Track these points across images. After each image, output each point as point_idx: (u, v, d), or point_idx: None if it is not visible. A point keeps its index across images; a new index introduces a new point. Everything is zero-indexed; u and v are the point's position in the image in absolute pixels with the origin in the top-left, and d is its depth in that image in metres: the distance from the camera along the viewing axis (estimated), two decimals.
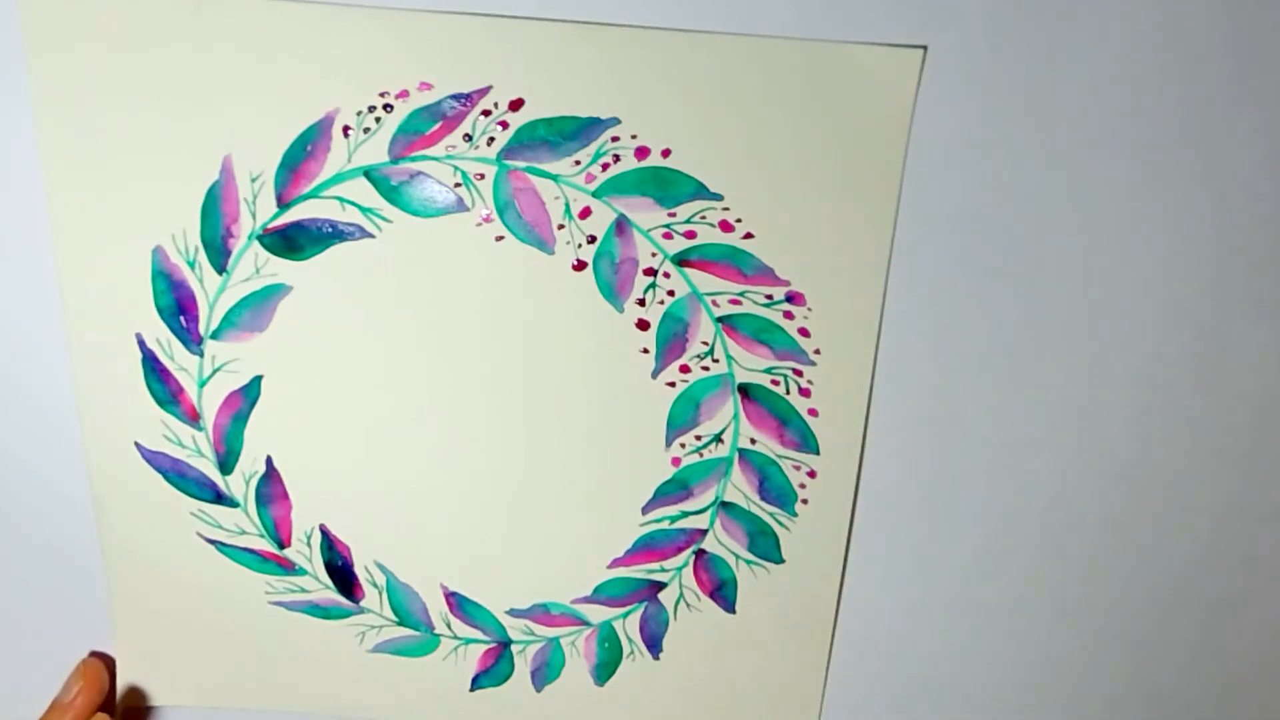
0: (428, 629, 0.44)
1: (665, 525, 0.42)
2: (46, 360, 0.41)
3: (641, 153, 0.37)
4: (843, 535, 0.42)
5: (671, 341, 0.39)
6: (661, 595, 0.43)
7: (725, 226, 0.38)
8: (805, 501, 0.42)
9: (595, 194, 0.37)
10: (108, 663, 0.45)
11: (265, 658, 0.45)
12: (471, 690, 0.46)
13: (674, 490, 0.41)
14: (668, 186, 0.37)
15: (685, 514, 0.42)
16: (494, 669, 0.45)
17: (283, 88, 0.37)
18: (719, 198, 0.37)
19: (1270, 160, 0.37)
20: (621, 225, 0.38)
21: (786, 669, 0.45)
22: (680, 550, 0.43)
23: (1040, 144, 0.37)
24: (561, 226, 0.38)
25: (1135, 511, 0.42)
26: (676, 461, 0.41)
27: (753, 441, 0.41)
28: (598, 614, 0.44)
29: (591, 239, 0.38)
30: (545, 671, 0.45)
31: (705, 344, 0.39)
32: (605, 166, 0.37)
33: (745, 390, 0.40)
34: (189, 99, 0.37)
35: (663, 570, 0.43)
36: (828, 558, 0.42)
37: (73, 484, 0.43)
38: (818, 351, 0.39)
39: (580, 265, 0.38)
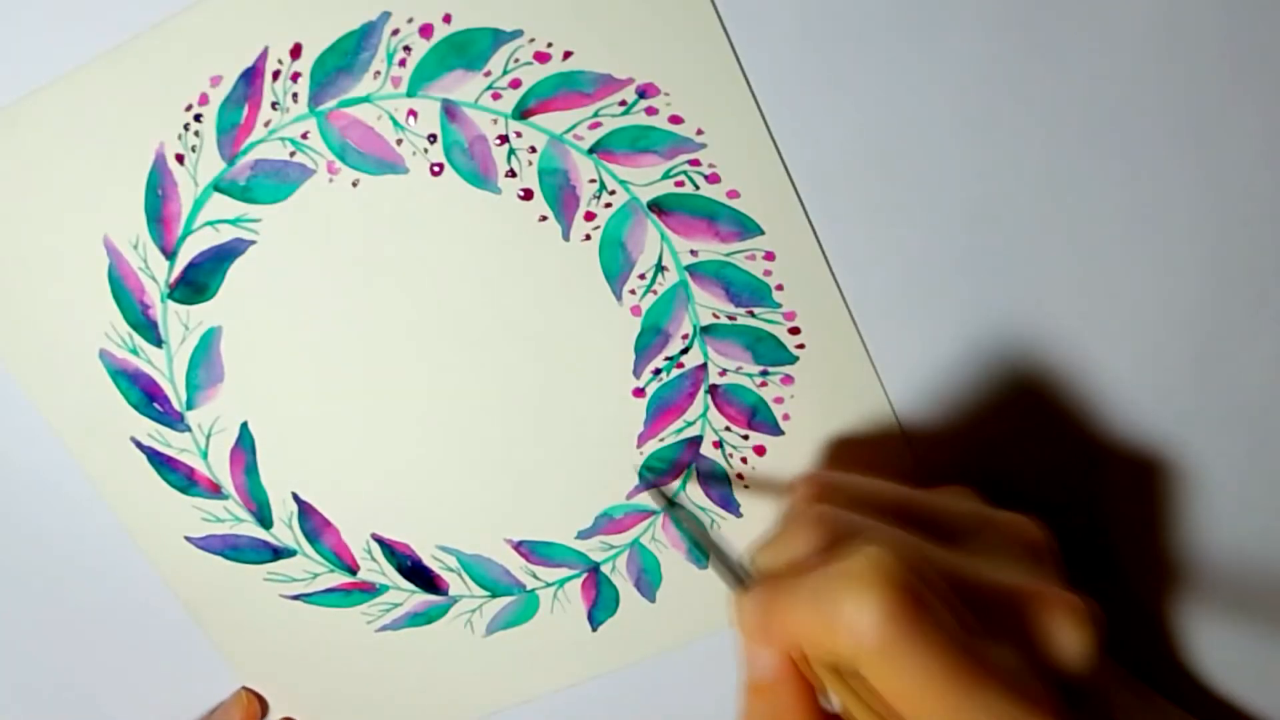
0: (520, 588, 0.43)
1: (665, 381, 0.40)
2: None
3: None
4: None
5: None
6: (703, 449, 0.41)
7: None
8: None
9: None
10: (261, 699, 0.46)
11: (395, 686, 0.46)
12: (594, 630, 0.44)
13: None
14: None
15: (672, 361, 0.40)
16: (600, 598, 0.44)
17: (111, 150, 0.38)
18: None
19: (1270, 160, 0.36)
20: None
21: None
22: (692, 395, 0.40)
23: (1041, 143, 0.36)
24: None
25: None
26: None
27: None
28: (654, 499, 0.42)
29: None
30: (647, 579, 0.43)
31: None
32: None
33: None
34: (55, 204, 0.39)
35: (688, 424, 0.41)
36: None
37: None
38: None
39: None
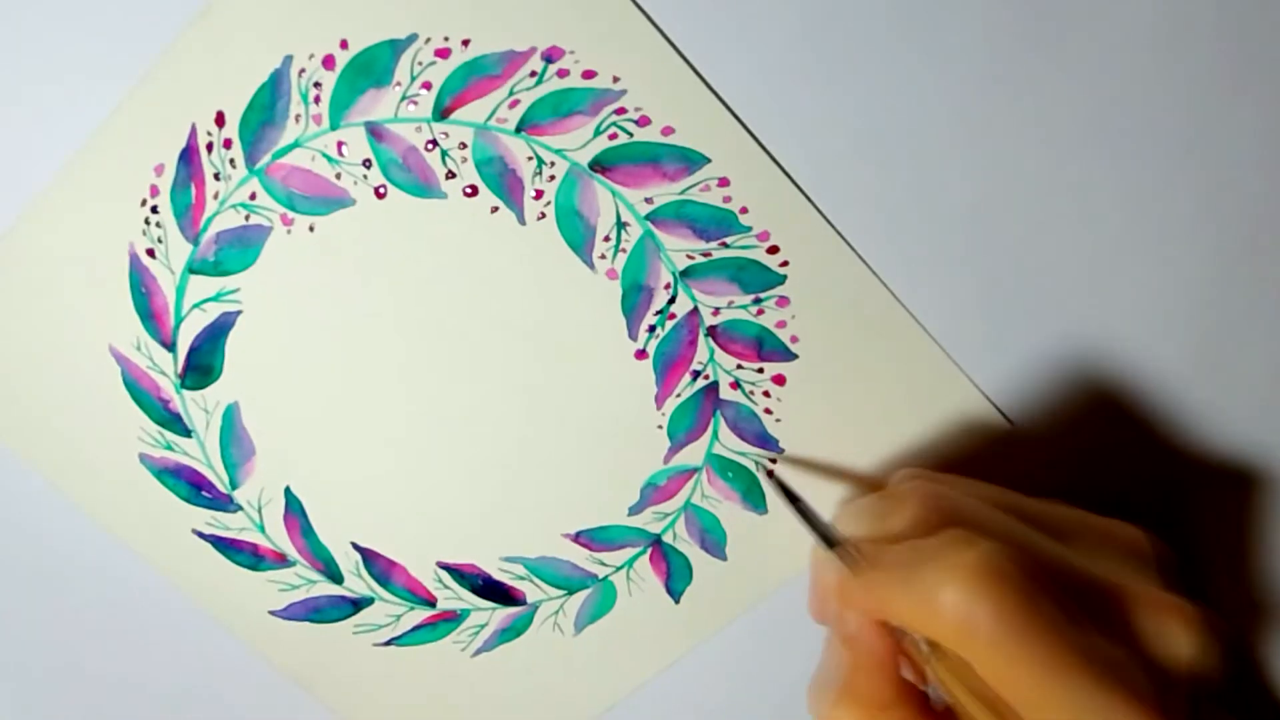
0: (593, 579, 0.43)
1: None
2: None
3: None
4: None
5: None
6: (723, 394, 0.40)
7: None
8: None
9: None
10: None
11: (507, 705, 0.46)
12: (677, 602, 0.44)
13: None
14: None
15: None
16: (672, 568, 0.43)
17: (91, 262, 0.39)
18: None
19: (1270, 160, 0.36)
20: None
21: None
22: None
23: (1041, 143, 0.36)
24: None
25: None
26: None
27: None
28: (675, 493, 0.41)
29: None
30: (712, 538, 0.43)
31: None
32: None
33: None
34: (59, 323, 0.41)
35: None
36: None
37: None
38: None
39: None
